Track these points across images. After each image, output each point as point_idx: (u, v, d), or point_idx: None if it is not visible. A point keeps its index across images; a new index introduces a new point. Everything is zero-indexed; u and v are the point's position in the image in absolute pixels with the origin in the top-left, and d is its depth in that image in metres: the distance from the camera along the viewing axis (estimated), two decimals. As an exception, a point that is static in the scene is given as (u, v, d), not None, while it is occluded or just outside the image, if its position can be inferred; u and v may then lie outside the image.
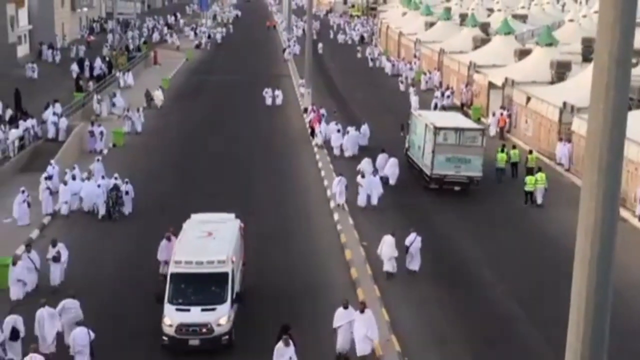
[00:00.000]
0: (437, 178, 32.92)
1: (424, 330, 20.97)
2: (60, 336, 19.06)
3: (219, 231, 21.45)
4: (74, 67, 59.29)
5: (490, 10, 79.17)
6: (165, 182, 34.19)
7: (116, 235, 27.64)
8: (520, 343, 20.35)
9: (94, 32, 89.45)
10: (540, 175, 32.45)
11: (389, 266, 24.05)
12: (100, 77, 57.69)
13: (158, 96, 51.44)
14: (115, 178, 30.05)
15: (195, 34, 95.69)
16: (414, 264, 24.37)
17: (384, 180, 32.98)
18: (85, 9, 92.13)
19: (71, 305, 19.52)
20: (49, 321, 18.73)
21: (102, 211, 29.16)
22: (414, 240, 24.26)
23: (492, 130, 44.00)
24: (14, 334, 18.47)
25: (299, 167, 37.78)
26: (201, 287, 19.61)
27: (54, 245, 22.80)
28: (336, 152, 39.75)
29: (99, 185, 29.49)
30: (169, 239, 22.93)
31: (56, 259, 22.28)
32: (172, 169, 36.68)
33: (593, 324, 7.78)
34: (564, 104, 38.42)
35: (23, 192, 28.21)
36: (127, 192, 29.67)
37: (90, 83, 53.73)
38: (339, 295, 21.73)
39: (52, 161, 32.46)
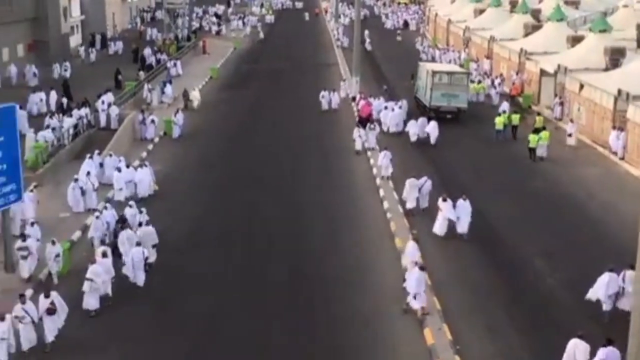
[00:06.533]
0: (434, 109, 43.31)
1: (469, 299, 20.88)
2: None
3: None
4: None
5: (542, -4, 77.84)
6: (207, 176, 33.91)
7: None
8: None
9: (144, 22, 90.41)
10: (544, 134, 36.84)
11: (411, 205, 28.51)
12: (151, 66, 58.29)
13: (195, 96, 49.01)
14: (130, 206, 25.91)
15: (244, 23, 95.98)
16: (424, 203, 28.66)
17: (423, 139, 39.16)
18: (135, 0, 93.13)
19: (148, 231, 23.42)
20: (128, 244, 22.54)
21: (97, 246, 23.62)
22: (424, 183, 28.72)
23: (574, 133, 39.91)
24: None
25: (347, 159, 37.68)
26: None
27: (47, 296, 19.12)
28: (384, 128, 41.31)
29: (97, 217, 24.74)
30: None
31: (51, 311, 18.91)
32: (217, 163, 36.22)
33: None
34: (619, 91, 37.62)
35: (76, 180, 28.59)
36: (140, 224, 24.50)
37: (141, 72, 54.30)
38: (391, 283, 21.90)
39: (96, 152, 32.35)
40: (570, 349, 17.34)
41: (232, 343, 19.21)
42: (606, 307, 20.30)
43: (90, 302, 20.52)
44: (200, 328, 20.00)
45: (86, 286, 20.48)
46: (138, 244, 22.44)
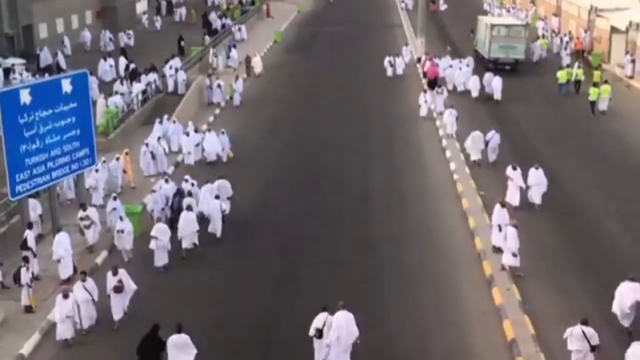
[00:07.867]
0: (493, 60, 45.09)
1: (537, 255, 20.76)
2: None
3: None
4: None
5: (613, -49, 75.33)
6: (272, 141, 34.07)
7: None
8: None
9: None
10: (604, 87, 36.56)
11: (476, 156, 29.37)
12: (216, 31, 58.63)
13: (257, 63, 48.01)
14: (186, 180, 25.18)
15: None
16: (493, 157, 29.42)
17: (488, 95, 39.59)
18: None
19: (224, 184, 24.77)
20: (209, 195, 23.78)
21: (156, 219, 23.70)
22: (492, 136, 29.38)
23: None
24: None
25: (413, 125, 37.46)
26: None
27: (115, 274, 18.45)
28: (449, 87, 41.21)
29: (154, 191, 24.58)
30: None
31: (118, 289, 18.35)
32: (281, 128, 36.42)
33: None
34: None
35: (147, 144, 29.22)
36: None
37: (207, 37, 54.69)
38: (459, 243, 21.90)
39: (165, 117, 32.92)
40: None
41: (306, 288, 19.63)
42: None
43: (160, 259, 21.27)
44: (274, 274, 20.98)
45: (152, 244, 21.20)
46: (217, 197, 23.55)
